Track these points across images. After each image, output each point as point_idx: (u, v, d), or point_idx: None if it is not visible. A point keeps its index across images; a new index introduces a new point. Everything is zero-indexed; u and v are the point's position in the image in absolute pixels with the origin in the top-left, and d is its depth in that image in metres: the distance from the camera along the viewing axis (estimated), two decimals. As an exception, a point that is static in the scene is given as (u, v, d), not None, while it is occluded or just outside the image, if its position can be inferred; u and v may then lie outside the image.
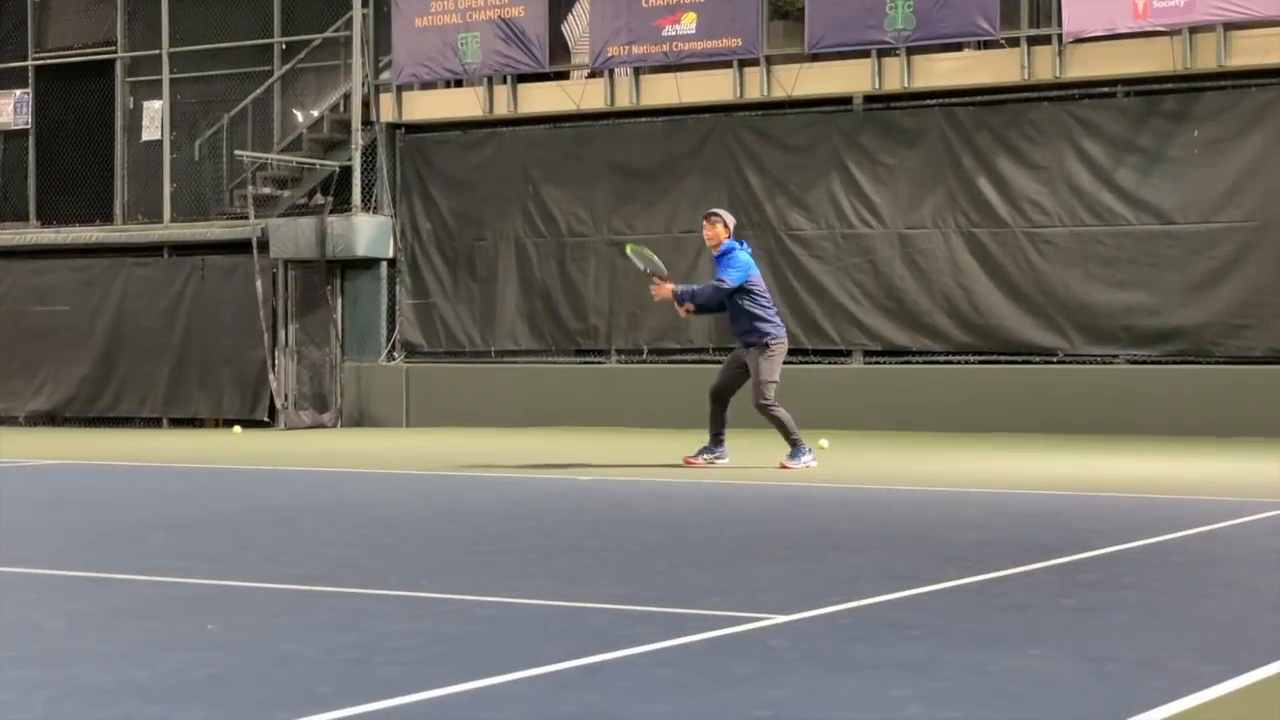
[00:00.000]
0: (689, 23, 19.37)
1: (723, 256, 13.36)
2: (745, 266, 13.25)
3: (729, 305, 13.32)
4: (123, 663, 5.33)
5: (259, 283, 21.13)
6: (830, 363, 18.99)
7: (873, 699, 4.69)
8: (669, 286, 13.48)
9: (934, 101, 18.71)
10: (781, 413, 13.17)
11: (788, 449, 13.24)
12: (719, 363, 18.98)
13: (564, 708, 4.60)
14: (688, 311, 13.61)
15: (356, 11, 21.01)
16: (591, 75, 20.28)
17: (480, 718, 4.47)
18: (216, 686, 4.93)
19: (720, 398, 13.48)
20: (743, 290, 13.19)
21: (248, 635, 5.87)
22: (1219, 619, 6.21)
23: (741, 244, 13.48)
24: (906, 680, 4.92)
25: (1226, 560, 7.84)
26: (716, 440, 13.54)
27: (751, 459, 13.68)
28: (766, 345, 13.23)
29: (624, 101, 20.03)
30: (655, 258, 13.92)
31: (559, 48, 20.36)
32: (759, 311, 13.22)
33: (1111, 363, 17.88)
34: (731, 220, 13.59)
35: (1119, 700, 4.67)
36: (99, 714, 4.56)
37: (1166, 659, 5.31)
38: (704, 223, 13.61)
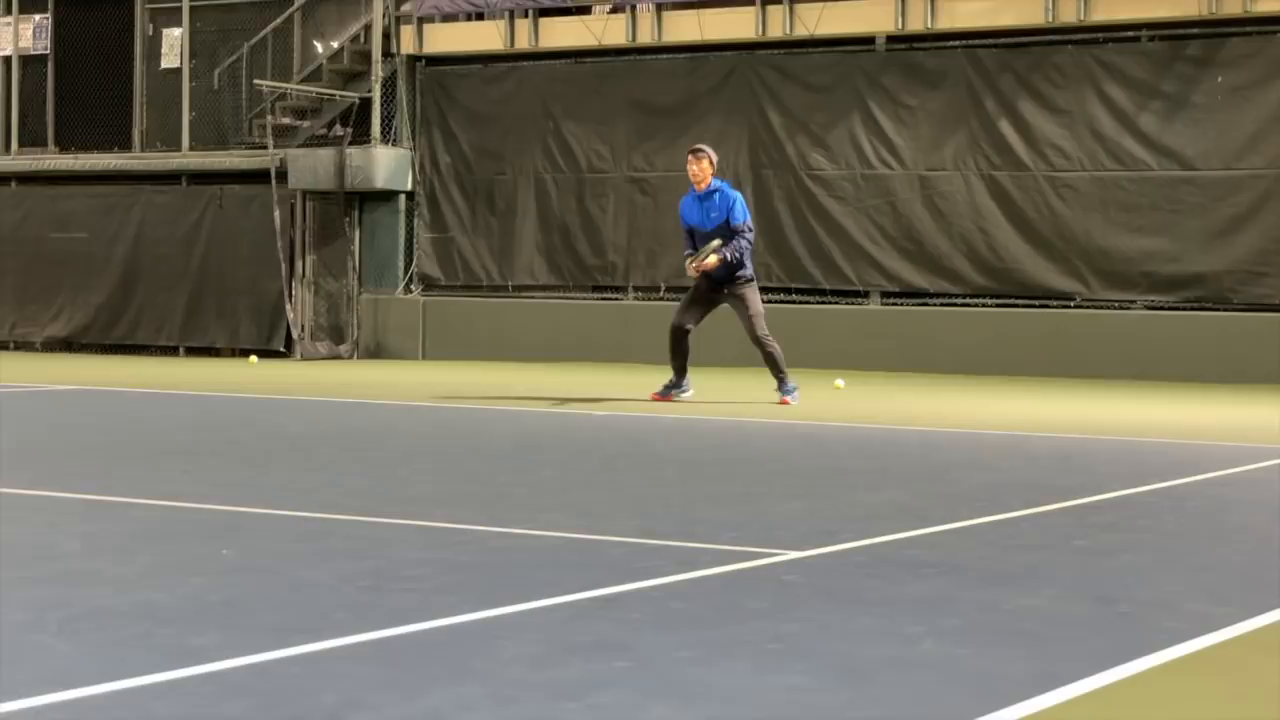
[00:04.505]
0: (712, -41, 19.28)
1: (715, 195, 13.36)
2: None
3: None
4: (139, 585, 5.36)
5: (277, 213, 21.11)
6: (848, 303, 18.94)
7: (885, 635, 4.70)
8: (713, 259, 13.13)
9: (957, 43, 18.61)
10: (778, 347, 13.41)
11: (775, 384, 13.46)
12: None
13: (578, 637, 4.62)
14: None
15: (378, -58, 20.93)
16: (614, 11, 20.19)
17: (494, 646, 4.49)
18: (232, 610, 4.95)
19: (687, 335, 13.58)
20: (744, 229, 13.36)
21: (263, 561, 5.89)
22: (1232, 562, 6.21)
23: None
24: (919, 617, 4.94)
25: (1241, 505, 7.84)
26: (683, 374, 13.74)
27: (772, 395, 13.70)
28: (752, 280, 13.51)
29: (646, 38, 19.94)
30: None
31: (581, -18, 20.28)
32: (749, 248, 13.41)
33: (1129, 308, 17.84)
34: (715, 156, 13.65)
35: (1131, 640, 4.68)
36: (114, 634, 4.59)
37: (1179, 600, 5.31)
38: (690, 158, 13.49)
